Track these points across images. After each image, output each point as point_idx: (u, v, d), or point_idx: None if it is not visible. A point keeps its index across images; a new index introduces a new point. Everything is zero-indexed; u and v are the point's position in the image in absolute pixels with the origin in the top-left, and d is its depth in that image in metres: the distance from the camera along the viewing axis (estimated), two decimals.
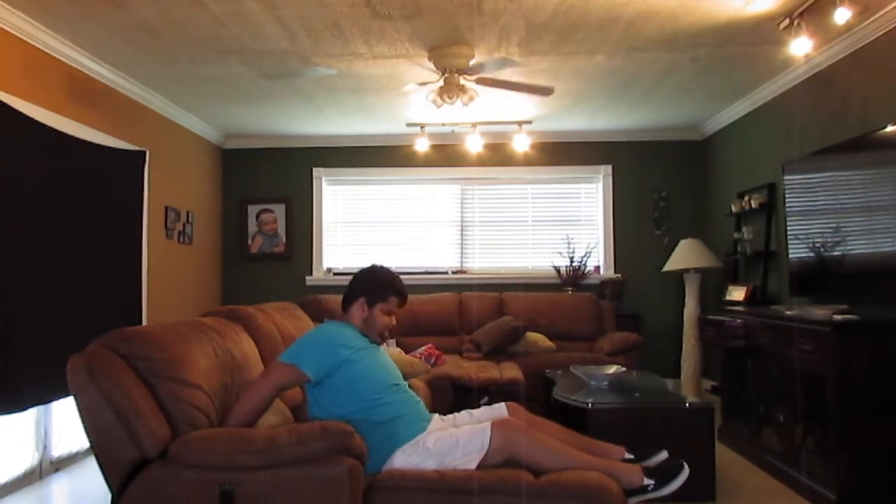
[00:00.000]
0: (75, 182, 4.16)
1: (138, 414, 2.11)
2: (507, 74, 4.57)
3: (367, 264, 2.85)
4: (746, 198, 5.41)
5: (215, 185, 6.72)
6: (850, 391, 3.29)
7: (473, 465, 2.38)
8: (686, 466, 2.47)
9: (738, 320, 4.41)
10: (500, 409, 2.72)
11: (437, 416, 2.74)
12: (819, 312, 3.64)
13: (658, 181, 6.69)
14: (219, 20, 3.80)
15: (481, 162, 6.64)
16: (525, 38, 4.13)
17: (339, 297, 2.83)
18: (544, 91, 4.67)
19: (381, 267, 2.82)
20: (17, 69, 3.76)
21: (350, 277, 2.81)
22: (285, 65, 4.56)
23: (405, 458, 2.45)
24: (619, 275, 6.62)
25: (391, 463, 2.45)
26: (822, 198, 4.29)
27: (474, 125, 6.00)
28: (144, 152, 5.06)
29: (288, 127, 6.36)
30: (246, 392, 2.44)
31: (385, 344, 3.41)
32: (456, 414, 2.78)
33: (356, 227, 6.95)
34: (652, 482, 2.43)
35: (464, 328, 5.98)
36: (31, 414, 3.85)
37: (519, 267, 6.83)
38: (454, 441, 2.45)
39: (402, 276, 2.83)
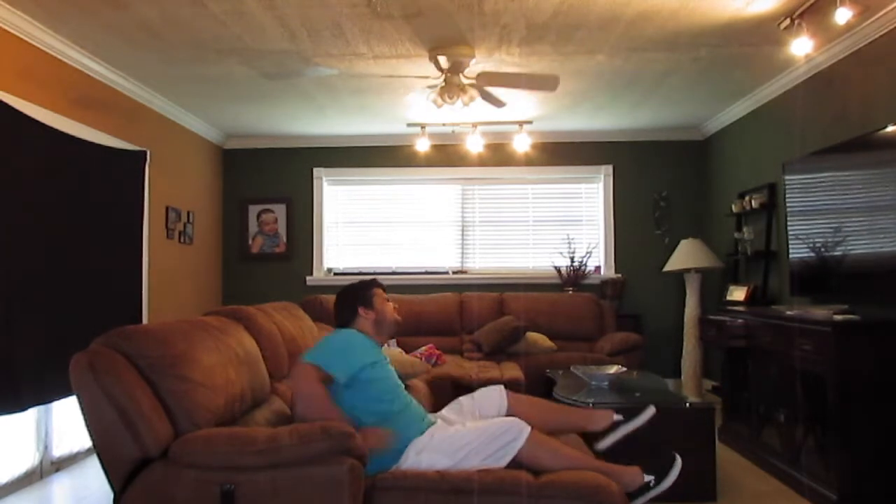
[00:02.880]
0: (76, 182, 4.16)
1: (140, 413, 2.11)
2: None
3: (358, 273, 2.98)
4: (747, 198, 5.41)
5: (216, 185, 6.72)
6: (850, 391, 3.29)
7: (502, 464, 2.41)
8: (678, 457, 2.50)
9: (739, 320, 4.41)
10: (497, 390, 2.87)
11: (446, 411, 2.79)
12: (819, 312, 3.64)
13: (658, 181, 6.69)
14: (219, 20, 3.80)
15: (482, 162, 6.65)
16: (525, 38, 4.13)
17: None
18: (550, 84, 4.38)
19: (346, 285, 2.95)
20: (17, 69, 3.76)
21: (342, 291, 2.92)
22: (286, 65, 4.56)
23: (420, 456, 2.46)
24: (619, 275, 6.62)
25: (405, 460, 2.46)
26: (822, 198, 4.28)
27: (475, 125, 6.00)
28: (145, 152, 5.06)
29: (289, 127, 6.36)
30: (304, 404, 2.42)
31: (386, 344, 3.44)
32: (461, 399, 2.87)
33: (357, 228, 6.94)
34: (653, 478, 2.46)
35: (464, 328, 5.98)
36: (32, 414, 3.85)
37: (519, 267, 6.83)
38: (475, 439, 2.46)
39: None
